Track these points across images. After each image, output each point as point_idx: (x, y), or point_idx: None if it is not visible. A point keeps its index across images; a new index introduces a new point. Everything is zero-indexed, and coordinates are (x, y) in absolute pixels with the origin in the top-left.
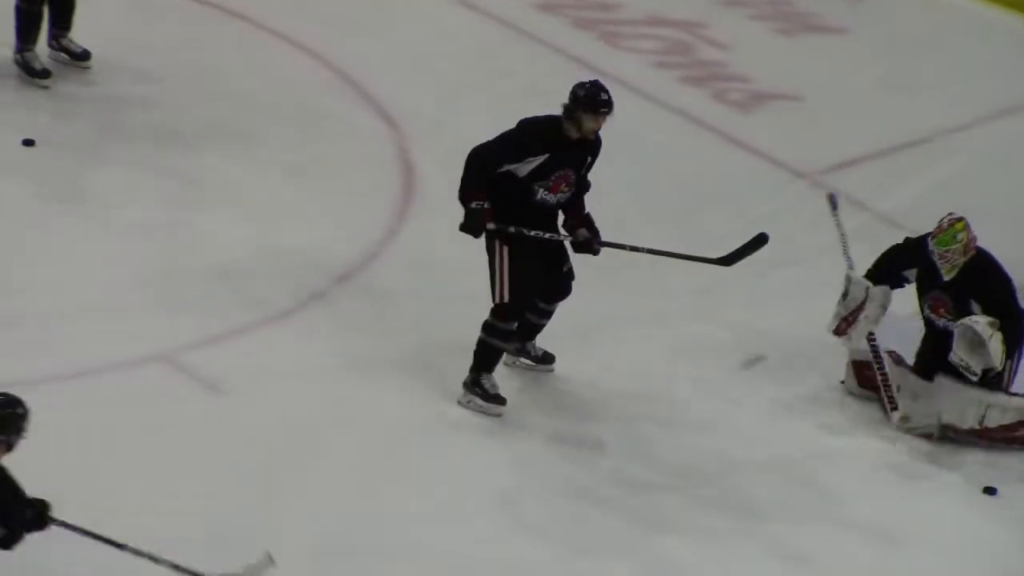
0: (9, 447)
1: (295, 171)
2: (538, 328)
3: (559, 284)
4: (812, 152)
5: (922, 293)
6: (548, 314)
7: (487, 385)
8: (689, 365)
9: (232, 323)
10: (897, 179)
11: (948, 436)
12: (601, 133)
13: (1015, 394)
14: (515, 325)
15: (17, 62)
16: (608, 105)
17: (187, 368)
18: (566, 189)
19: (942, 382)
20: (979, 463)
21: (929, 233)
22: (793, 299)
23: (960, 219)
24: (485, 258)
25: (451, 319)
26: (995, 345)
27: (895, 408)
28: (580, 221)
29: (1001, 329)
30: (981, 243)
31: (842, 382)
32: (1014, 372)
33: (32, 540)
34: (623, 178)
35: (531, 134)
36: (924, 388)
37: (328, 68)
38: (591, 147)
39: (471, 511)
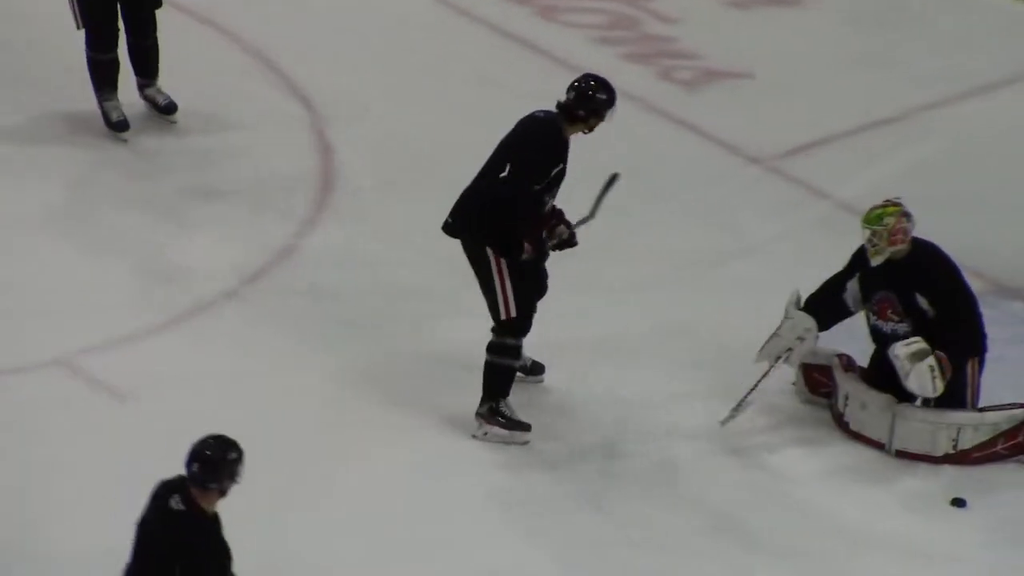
0: (222, 494)
1: (205, 159)
2: None
3: (539, 284)
4: (767, 135)
5: (866, 298)
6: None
7: (507, 412)
8: (641, 367)
9: (139, 325)
10: (860, 163)
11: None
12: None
13: (985, 408)
14: (523, 340)
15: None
16: None
17: (95, 372)
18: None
19: (902, 411)
20: (950, 472)
21: None
22: (749, 293)
23: (897, 204)
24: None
25: (373, 314)
26: (917, 380)
27: (729, 415)
28: (557, 218)
29: (946, 341)
30: (951, 231)
31: (793, 383)
32: (978, 385)
33: None
34: None
35: (549, 150)
36: (874, 399)
37: (241, 47)
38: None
39: (440, 522)
